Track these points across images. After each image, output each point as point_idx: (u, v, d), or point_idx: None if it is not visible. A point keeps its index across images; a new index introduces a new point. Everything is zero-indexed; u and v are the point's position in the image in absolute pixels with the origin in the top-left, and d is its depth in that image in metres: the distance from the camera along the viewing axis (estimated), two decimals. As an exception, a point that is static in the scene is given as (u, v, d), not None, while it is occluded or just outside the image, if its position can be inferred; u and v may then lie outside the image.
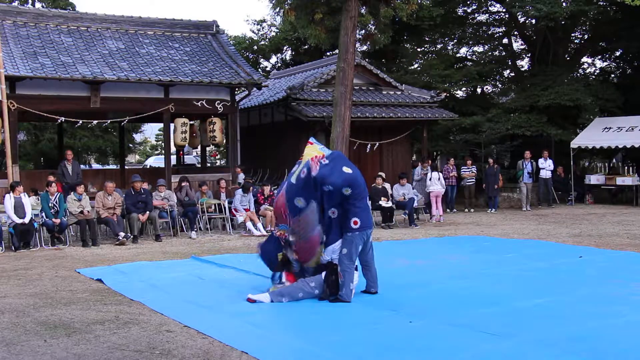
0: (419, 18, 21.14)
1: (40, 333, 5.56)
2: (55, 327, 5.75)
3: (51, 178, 12.51)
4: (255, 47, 29.18)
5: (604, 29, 22.20)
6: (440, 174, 16.28)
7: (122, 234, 11.88)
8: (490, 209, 17.77)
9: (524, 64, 26.73)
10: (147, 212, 12.51)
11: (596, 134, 19.28)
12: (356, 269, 6.92)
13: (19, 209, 11.18)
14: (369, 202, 7.57)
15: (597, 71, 26.00)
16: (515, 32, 25.33)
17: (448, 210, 17.52)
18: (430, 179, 15.75)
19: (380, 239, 11.47)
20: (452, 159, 18.48)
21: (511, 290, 7.14)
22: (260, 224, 13.31)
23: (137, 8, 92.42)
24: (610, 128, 19.15)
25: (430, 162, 17.53)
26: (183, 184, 13.92)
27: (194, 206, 13.46)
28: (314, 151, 7.26)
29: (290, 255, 7.01)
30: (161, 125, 21.18)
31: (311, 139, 7.69)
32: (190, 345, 5.17)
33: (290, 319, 6.17)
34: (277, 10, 25.04)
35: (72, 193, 12.29)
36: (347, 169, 6.92)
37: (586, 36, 24.75)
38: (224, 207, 13.97)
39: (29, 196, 11.79)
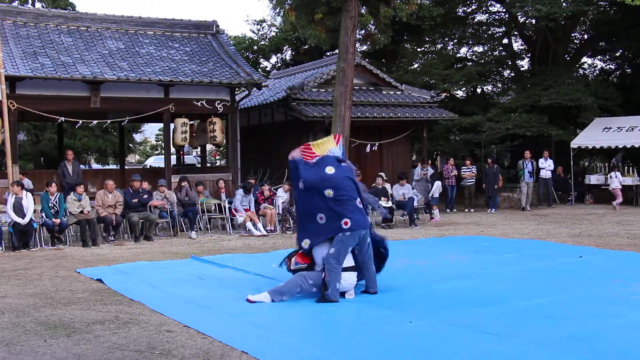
0: (419, 18, 21.15)
1: (40, 333, 5.55)
2: (55, 327, 5.74)
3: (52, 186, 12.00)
4: (255, 47, 29.21)
5: (604, 29, 22.19)
6: (619, 172, 18.33)
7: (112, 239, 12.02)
8: (490, 209, 17.77)
9: (524, 64, 26.76)
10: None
11: (596, 134, 19.27)
12: (357, 270, 6.92)
13: (19, 208, 11.19)
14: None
15: (597, 71, 26.00)
16: (515, 32, 25.33)
17: (448, 210, 17.54)
18: (611, 177, 17.95)
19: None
20: (452, 159, 18.49)
21: (511, 290, 7.14)
22: (260, 224, 13.32)
23: (137, 8, 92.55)
24: (610, 128, 19.15)
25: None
26: (183, 184, 13.92)
27: (194, 206, 13.46)
28: (329, 145, 7.22)
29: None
30: (161, 125, 21.17)
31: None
32: (190, 345, 5.17)
33: (290, 319, 6.17)
34: (277, 10, 25.11)
35: (72, 193, 12.30)
36: (330, 170, 6.86)
37: (586, 36, 24.76)
38: (224, 207, 13.97)
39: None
